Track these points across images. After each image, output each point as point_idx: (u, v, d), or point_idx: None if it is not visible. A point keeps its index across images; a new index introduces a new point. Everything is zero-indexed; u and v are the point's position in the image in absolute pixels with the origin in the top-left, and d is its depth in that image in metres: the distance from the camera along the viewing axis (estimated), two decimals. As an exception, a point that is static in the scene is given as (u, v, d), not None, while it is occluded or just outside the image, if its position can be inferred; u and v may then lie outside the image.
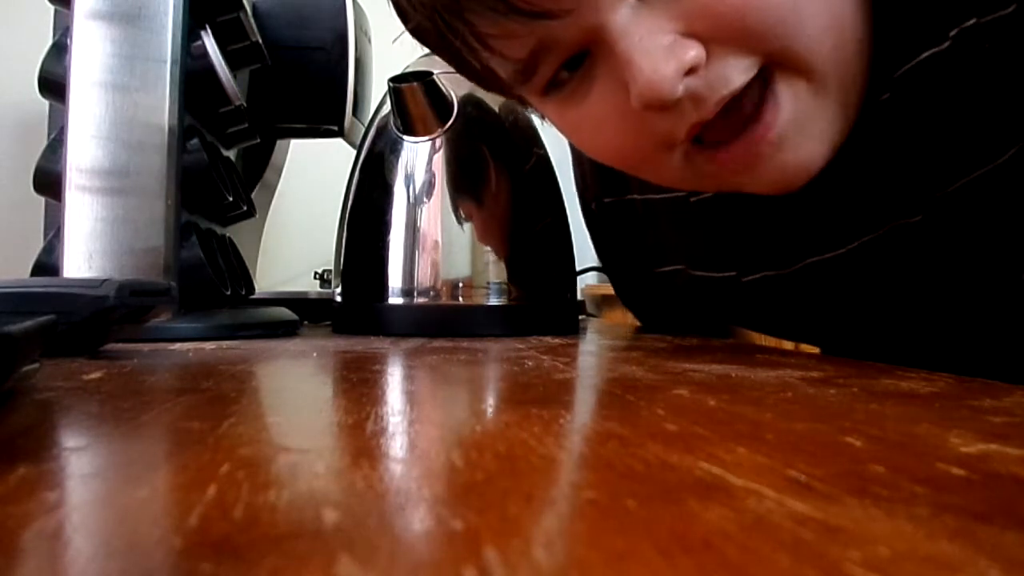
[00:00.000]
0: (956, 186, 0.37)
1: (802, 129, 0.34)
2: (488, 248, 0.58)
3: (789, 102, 0.34)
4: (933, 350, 0.45)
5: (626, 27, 0.32)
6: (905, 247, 0.41)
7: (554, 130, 0.57)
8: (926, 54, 0.36)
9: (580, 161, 0.63)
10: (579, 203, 0.67)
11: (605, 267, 0.70)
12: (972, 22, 0.34)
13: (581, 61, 0.35)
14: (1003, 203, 0.37)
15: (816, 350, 0.58)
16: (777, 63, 0.33)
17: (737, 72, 0.33)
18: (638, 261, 0.62)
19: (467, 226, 0.58)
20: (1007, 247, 0.38)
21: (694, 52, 0.32)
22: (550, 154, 0.64)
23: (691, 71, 0.32)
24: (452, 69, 0.59)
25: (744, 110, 0.34)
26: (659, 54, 0.32)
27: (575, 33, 0.34)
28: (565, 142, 0.67)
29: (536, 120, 0.64)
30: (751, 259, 0.50)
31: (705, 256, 0.53)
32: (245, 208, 0.62)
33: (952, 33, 0.35)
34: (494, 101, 0.61)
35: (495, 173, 0.59)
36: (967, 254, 0.40)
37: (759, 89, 0.34)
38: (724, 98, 0.33)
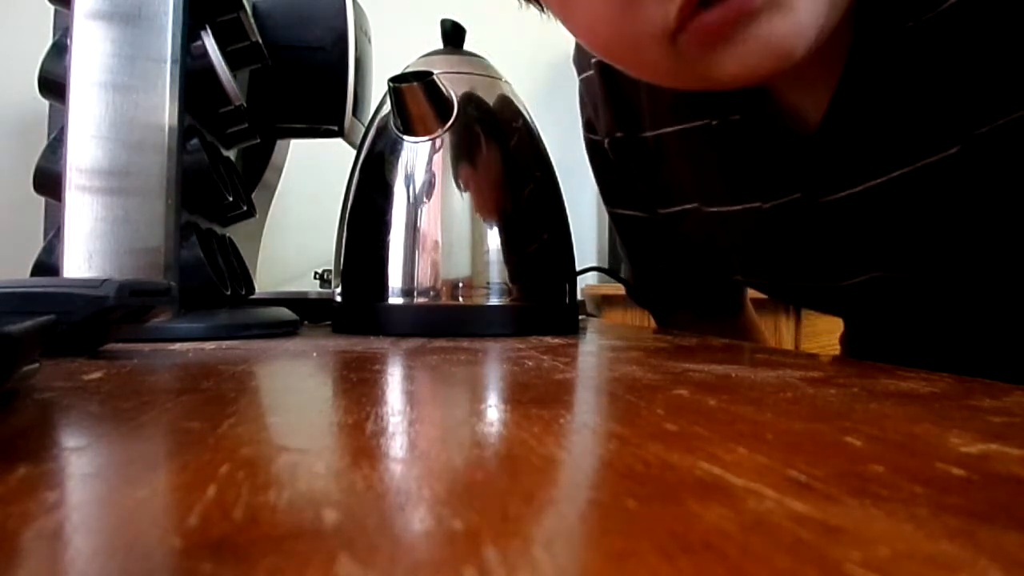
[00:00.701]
0: (1000, 123, 0.37)
1: (780, 3, 0.33)
2: (488, 248, 0.58)
3: None
4: (941, 346, 0.44)
5: None
6: (939, 181, 0.40)
7: (556, 130, 0.57)
8: None
9: (594, 95, 0.63)
10: (585, 147, 0.66)
11: (612, 214, 0.68)
12: None
13: None
14: None
15: (831, 341, 0.57)
16: None
17: None
18: (647, 202, 0.61)
19: (467, 226, 0.58)
20: None
21: None
22: (551, 153, 0.64)
23: None
24: (453, 69, 0.60)
25: None
26: None
27: None
28: (568, 141, 0.67)
29: (534, 119, 0.64)
30: (776, 186, 0.49)
31: (723, 189, 0.52)
32: (245, 208, 0.62)
33: None
34: (494, 101, 0.61)
35: (495, 173, 0.59)
36: (1003, 190, 0.39)
37: None
38: None
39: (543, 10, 0.43)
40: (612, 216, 0.69)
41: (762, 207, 0.50)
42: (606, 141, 0.62)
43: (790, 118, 0.46)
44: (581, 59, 0.63)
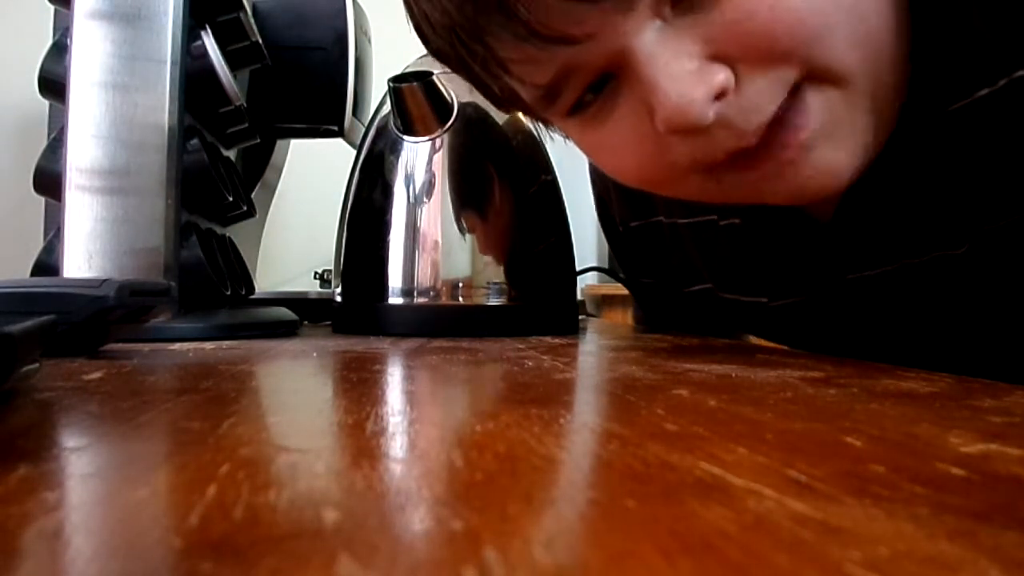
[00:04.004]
0: (1003, 223, 0.37)
1: (832, 136, 0.33)
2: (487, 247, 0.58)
3: (819, 107, 0.32)
4: (944, 352, 0.44)
5: (651, 51, 0.31)
6: (946, 277, 0.40)
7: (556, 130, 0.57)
8: (980, 94, 0.35)
9: (604, 183, 0.63)
10: (599, 221, 0.67)
11: (631, 285, 0.69)
12: (1022, 73, 0.33)
13: (606, 82, 0.35)
14: None
15: None
16: (808, 77, 0.32)
17: (769, 99, 0.32)
18: (666, 281, 0.62)
19: (467, 226, 0.58)
20: None
21: (722, 76, 0.31)
22: (551, 154, 0.64)
23: (720, 95, 0.31)
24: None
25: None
26: (686, 79, 0.31)
27: (599, 57, 0.33)
28: (569, 143, 0.67)
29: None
30: (781, 286, 0.49)
31: (733, 281, 0.53)
32: (245, 208, 0.62)
33: (1002, 82, 0.34)
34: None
35: (495, 173, 0.59)
36: (1009, 288, 0.39)
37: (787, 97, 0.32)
38: (763, 125, 0.32)
39: (567, 139, 0.43)
40: (629, 284, 0.69)
41: (768, 304, 0.50)
42: (621, 227, 0.63)
43: (798, 211, 0.46)
44: None
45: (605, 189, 0.63)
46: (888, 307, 0.44)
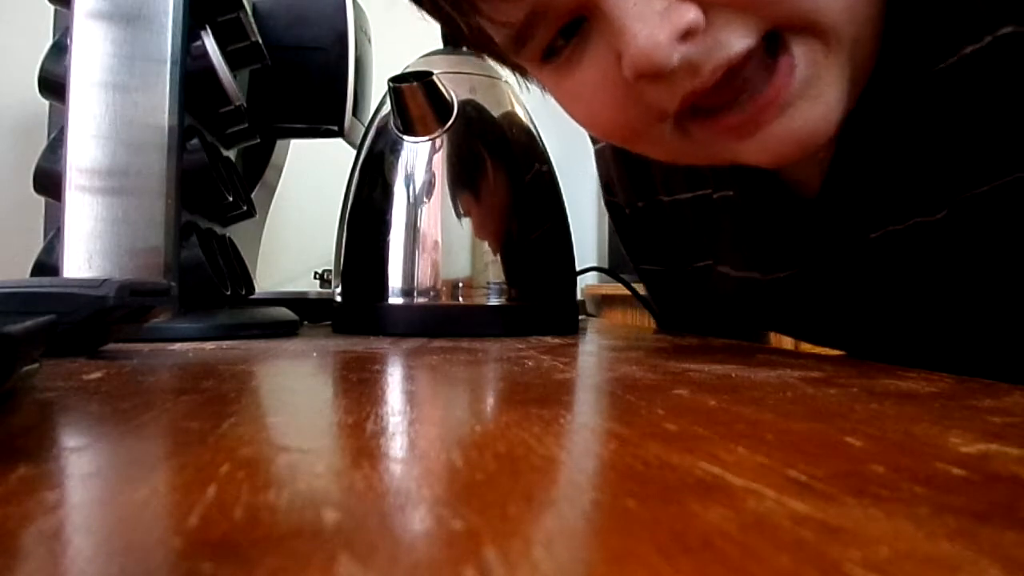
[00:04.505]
0: (984, 189, 0.36)
1: (810, 93, 0.32)
2: (488, 248, 0.58)
3: (804, 62, 0.31)
4: (942, 350, 0.44)
5: None
6: (926, 243, 0.40)
7: (556, 130, 0.58)
8: (965, 51, 0.34)
9: (607, 169, 0.64)
10: (607, 209, 0.67)
11: (638, 269, 0.69)
12: (1009, 30, 0.33)
13: (578, 26, 0.34)
14: None
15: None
16: (786, 25, 0.31)
17: (737, 37, 0.31)
18: (671, 260, 0.62)
19: (467, 226, 0.58)
20: None
21: (691, 15, 0.30)
22: (551, 153, 0.64)
23: (687, 36, 0.30)
24: (453, 69, 0.60)
25: (746, 74, 0.32)
26: (653, 20, 0.30)
27: None
28: (567, 141, 0.67)
29: (534, 119, 0.64)
30: (773, 259, 0.49)
31: (727, 254, 0.53)
32: (245, 208, 0.62)
33: (987, 39, 0.33)
34: (493, 103, 0.61)
35: (495, 173, 0.59)
36: (989, 256, 0.38)
37: (764, 52, 0.31)
38: (722, 65, 0.31)
39: (544, 89, 0.42)
40: (638, 271, 0.69)
41: (760, 279, 0.50)
42: (628, 209, 0.63)
43: (786, 187, 0.45)
44: None
45: (608, 175, 0.64)
46: (876, 282, 0.44)
